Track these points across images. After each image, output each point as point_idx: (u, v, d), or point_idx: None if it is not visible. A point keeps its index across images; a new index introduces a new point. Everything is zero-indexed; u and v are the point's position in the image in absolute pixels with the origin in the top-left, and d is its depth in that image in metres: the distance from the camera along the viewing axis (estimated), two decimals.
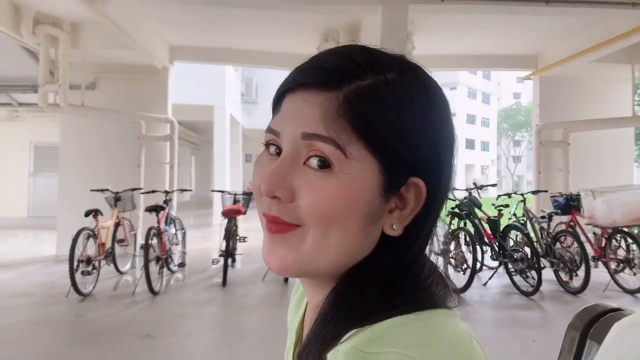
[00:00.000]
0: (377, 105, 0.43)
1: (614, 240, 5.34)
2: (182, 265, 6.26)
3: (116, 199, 5.96)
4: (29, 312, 4.50)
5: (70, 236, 5.00)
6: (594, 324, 0.97)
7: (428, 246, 0.50)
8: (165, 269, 5.52)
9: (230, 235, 5.67)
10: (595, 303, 1.04)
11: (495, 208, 5.68)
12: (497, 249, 5.57)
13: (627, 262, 5.15)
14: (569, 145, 7.59)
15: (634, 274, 5.11)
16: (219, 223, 6.00)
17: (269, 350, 3.47)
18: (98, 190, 5.94)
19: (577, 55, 6.80)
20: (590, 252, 5.29)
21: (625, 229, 5.18)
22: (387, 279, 0.46)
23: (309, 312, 0.56)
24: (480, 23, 6.53)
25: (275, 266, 0.46)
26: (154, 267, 5.15)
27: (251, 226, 8.21)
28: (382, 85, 0.44)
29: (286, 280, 5.41)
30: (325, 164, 0.43)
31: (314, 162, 0.44)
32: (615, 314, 0.97)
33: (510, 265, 5.44)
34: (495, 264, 5.72)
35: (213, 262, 5.83)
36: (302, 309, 0.62)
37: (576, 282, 5.24)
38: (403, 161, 0.44)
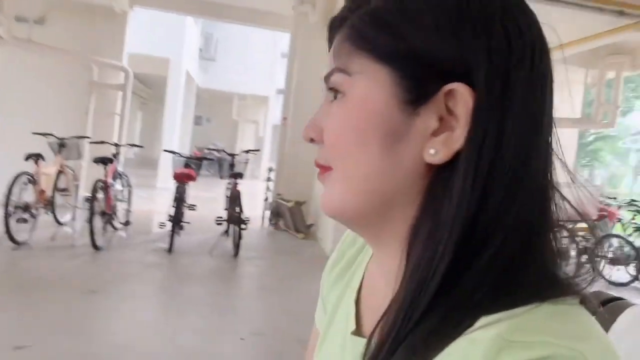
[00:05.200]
0: (377, 14, 0.40)
1: None
2: (127, 223, 5.98)
3: (61, 145, 5.58)
4: None
5: (7, 180, 4.64)
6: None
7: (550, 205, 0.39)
8: (109, 226, 5.27)
9: (180, 201, 5.42)
10: (598, 290, 1.06)
11: None
12: None
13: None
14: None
15: None
16: (164, 186, 5.75)
17: (214, 322, 3.41)
18: (41, 134, 5.53)
19: None
20: None
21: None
22: (466, 230, 0.36)
23: (375, 278, 0.50)
24: None
25: (321, 208, 0.45)
26: (98, 222, 4.90)
27: (199, 195, 8.00)
28: (383, 2, 0.40)
29: (236, 254, 5.23)
30: (337, 94, 0.42)
31: (330, 96, 0.43)
32: (619, 302, 1.00)
33: None
34: None
35: (160, 225, 5.61)
36: (353, 280, 0.55)
37: None
38: (423, 63, 0.38)
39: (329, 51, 0.45)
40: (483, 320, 0.34)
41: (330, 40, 0.45)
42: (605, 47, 6.82)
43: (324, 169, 0.44)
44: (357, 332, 0.49)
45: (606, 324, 0.90)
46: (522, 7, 0.40)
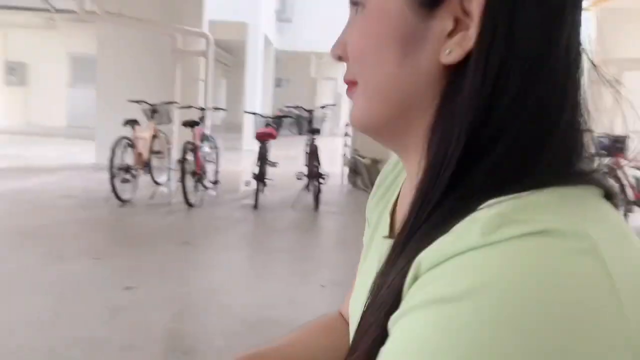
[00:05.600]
0: None
1: None
2: (216, 182, 6.37)
3: (153, 111, 6.00)
4: (72, 212, 4.73)
5: (109, 145, 5.12)
6: None
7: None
8: (200, 185, 5.65)
9: (263, 159, 5.66)
10: None
11: None
12: None
13: None
14: (622, 85, 7.17)
15: None
16: (249, 148, 6.00)
17: (298, 269, 3.58)
18: (135, 102, 5.98)
19: None
20: (631, 196, 5.16)
21: None
22: (478, 124, 0.36)
23: (407, 188, 0.52)
24: None
25: (350, 123, 0.47)
26: (189, 182, 5.28)
27: (280, 154, 8.27)
28: None
29: (316, 207, 5.42)
30: (358, 7, 0.43)
31: (353, 11, 0.44)
32: None
33: None
34: None
35: (246, 184, 5.92)
36: (392, 197, 0.58)
37: None
38: None
39: None
40: (488, 202, 0.34)
41: None
42: None
43: (351, 84, 0.45)
44: (390, 236, 0.52)
45: None
46: None
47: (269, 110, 14.99)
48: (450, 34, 0.38)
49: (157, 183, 6.19)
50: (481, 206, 0.34)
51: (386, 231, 0.53)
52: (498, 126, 0.36)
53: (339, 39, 0.46)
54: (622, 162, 5.52)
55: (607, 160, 5.73)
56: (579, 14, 0.38)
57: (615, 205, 0.38)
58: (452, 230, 0.34)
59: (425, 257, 0.33)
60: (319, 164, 5.51)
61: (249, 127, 9.07)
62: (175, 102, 6.51)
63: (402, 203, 0.53)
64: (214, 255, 3.81)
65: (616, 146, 5.62)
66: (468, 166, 0.37)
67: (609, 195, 0.37)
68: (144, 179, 5.85)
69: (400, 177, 0.58)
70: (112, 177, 4.96)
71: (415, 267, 0.34)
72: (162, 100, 6.27)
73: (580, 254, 0.30)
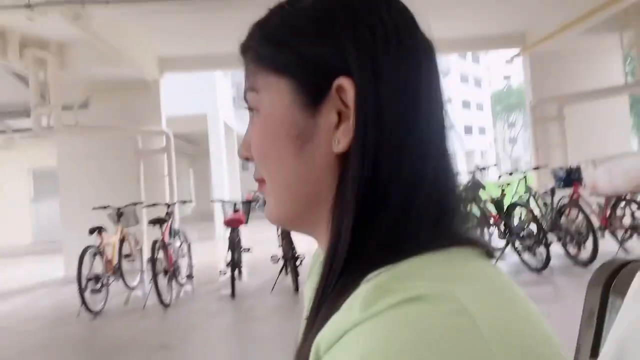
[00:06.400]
0: (268, 35, 0.46)
1: (618, 209, 5.34)
2: (190, 277, 6.22)
3: (119, 215, 5.94)
4: (41, 335, 4.49)
5: (77, 256, 4.99)
6: (614, 278, 0.96)
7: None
8: (174, 282, 5.51)
9: (235, 245, 5.54)
10: (612, 258, 1.03)
11: (498, 187, 5.68)
12: (502, 228, 5.56)
13: (634, 229, 5.15)
14: (565, 120, 7.59)
15: None
16: (222, 235, 5.94)
17: (285, 358, 3.45)
18: (100, 208, 5.93)
19: (565, 29, 6.79)
20: (596, 222, 5.29)
21: (629, 197, 5.18)
22: (363, 203, 0.40)
23: None
24: (466, 3, 6.52)
25: (268, 220, 0.50)
26: (162, 280, 5.14)
27: (255, 237, 8.19)
28: (278, 18, 0.46)
29: (296, 289, 5.32)
30: (253, 112, 0.47)
31: (251, 115, 0.48)
32: (637, 263, 0.96)
33: (517, 243, 5.43)
34: (503, 243, 5.71)
35: (220, 273, 5.81)
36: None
37: (585, 254, 5.24)
38: (309, 68, 0.43)
39: None
40: (368, 277, 0.37)
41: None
42: (634, 7, 6.50)
43: (261, 182, 0.49)
44: None
45: (623, 289, 0.88)
46: (398, 7, 0.44)
47: (238, 195, 15.04)
48: (337, 126, 0.42)
49: (129, 287, 6.00)
50: (363, 280, 0.37)
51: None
52: (381, 199, 0.40)
53: (244, 140, 0.49)
54: (581, 191, 5.72)
55: (566, 191, 5.93)
56: (436, 89, 0.44)
57: (492, 257, 0.42)
58: (341, 308, 0.37)
59: (322, 338, 0.36)
60: (292, 245, 5.44)
61: (220, 215, 9.02)
62: (140, 202, 6.47)
63: None
64: (193, 356, 3.64)
65: (572, 177, 5.85)
66: (363, 241, 0.40)
67: (488, 252, 0.41)
68: (116, 285, 5.67)
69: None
70: (81, 289, 4.79)
71: (314, 352, 0.36)
72: (128, 202, 6.24)
73: (451, 315, 0.33)
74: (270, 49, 0.45)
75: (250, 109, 0.48)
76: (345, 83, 0.41)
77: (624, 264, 0.99)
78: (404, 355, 0.31)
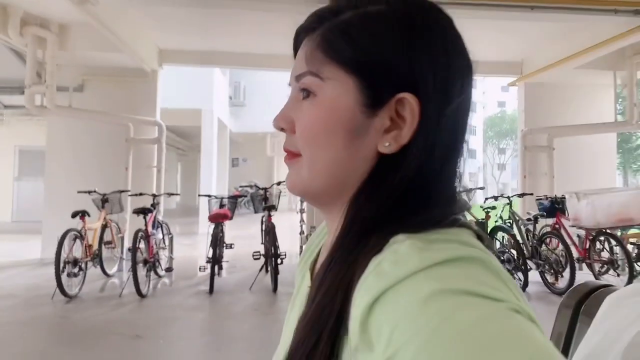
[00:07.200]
0: (346, 30, 0.48)
1: (597, 242, 5.44)
2: (169, 270, 6.19)
3: (103, 201, 5.90)
4: (14, 314, 4.43)
5: (57, 238, 4.93)
6: (585, 301, 0.99)
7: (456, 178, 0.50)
8: (152, 273, 5.47)
9: (217, 241, 5.53)
10: (586, 280, 1.07)
11: (483, 210, 5.75)
12: None
13: (611, 264, 5.24)
14: (554, 150, 7.72)
15: (618, 275, 5.20)
16: (205, 231, 5.92)
17: (258, 356, 3.45)
18: (85, 192, 5.88)
19: (561, 62, 6.94)
20: (575, 254, 5.38)
21: (609, 231, 5.28)
22: (395, 193, 0.47)
23: (327, 242, 0.58)
24: (466, 29, 6.62)
25: (287, 187, 0.54)
26: (141, 271, 5.11)
27: (238, 234, 8.16)
28: (356, 16, 0.48)
29: (275, 289, 5.31)
30: (309, 94, 0.50)
31: (302, 95, 0.51)
32: (606, 289, 1.00)
33: None
34: None
35: (200, 269, 5.77)
36: (314, 254, 0.64)
37: (561, 283, 5.32)
38: (381, 76, 0.47)
39: (295, 55, 0.54)
40: (395, 239, 0.43)
41: (296, 46, 0.54)
42: (630, 48, 6.68)
43: (293, 154, 0.53)
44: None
45: (592, 312, 0.92)
46: (456, 30, 0.50)
47: (225, 191, 14.99)
48: (387, 130, 0.48)
49: (107, 274, 5.96)
50: (391, 241, 0.43)
51: (308, 282, 0.59)
52: (413, 193, 0.47)
53: (282, 112, 0.53)
54: (564, 221, 5.82)
55: (549, 221, 6.03)
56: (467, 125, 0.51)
57: (483, 242, 0.48)
58: (378, 259, 0.41)
59: (366, 292, 0.39)
60: (275, 242, 5.45)
61: (205, 210, 8.98)
62: (127, 191, 6.43)
63: (322, 254, 0.59)
64: (167, 348, 3.62)
65: (555, 207, 5.95)
66: (378, 223, 0.46)
67: (479, 236, 0.48)
68: (93, 271, 5.62)
69: (323, 240, 0.64)
70: (58, 271, 4.73)
71: (360, 311, 0.39)
72: (114, 189, 6.21)
73: (492, 273, 0.40)
74: (348, 47, 0.48)
75: (305, 90, 0.51)
76: (409, 99, 0.46)
77: (596, 288, 1.04)
78: (464, 290, 0.36)
